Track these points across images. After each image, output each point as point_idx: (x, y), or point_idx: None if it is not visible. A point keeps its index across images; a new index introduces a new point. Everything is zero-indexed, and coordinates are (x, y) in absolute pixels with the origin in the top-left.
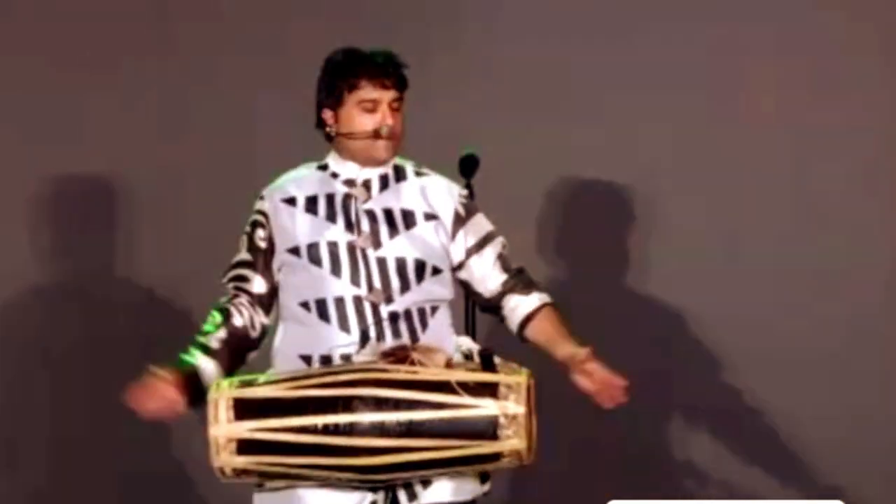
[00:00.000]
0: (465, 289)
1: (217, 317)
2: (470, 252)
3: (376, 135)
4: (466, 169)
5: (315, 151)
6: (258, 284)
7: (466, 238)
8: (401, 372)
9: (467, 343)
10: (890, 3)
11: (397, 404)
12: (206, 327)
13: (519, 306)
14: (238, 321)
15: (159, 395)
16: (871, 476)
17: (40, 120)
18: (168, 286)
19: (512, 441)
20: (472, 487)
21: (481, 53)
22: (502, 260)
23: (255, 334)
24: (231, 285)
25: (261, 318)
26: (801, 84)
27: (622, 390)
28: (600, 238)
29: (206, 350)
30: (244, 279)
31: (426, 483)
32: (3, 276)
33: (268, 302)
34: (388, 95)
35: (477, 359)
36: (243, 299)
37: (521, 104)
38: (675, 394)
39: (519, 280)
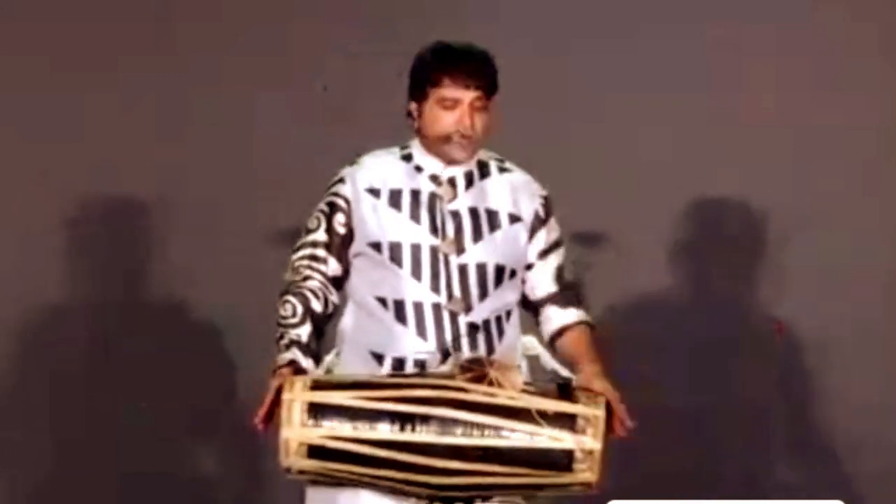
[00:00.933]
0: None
1: (297, 307)
2: (539, 256)
3: (447, 139)
4: None
5: (315, 151)
6: (333, 267)
7: (538, 243)
8: (479, 393)
9: (533, 344)
10: (890, 2)
11: (474, 428)
12: (290, 319)
13: (553, 318)
14: (317, 307)
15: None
16: (871, 476)
17: (40, 119)
18: (167, 285)
19: (584, 474)
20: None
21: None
22: (559, 271)
23: (329, 312)
24: (304, 263)
25: (333, 298)
26: (802, 84)
27: (622, 425)
28: (599, 238)
29: (305, 350)
30: (319, 259)
31: (486, 499)
32: (2, 274)
33: (341, 283)
34: (469, 95)
35: (543, 360)
36: (317, 281)
37: (522, 104)
38: (674, 393)
39: (564, 295)
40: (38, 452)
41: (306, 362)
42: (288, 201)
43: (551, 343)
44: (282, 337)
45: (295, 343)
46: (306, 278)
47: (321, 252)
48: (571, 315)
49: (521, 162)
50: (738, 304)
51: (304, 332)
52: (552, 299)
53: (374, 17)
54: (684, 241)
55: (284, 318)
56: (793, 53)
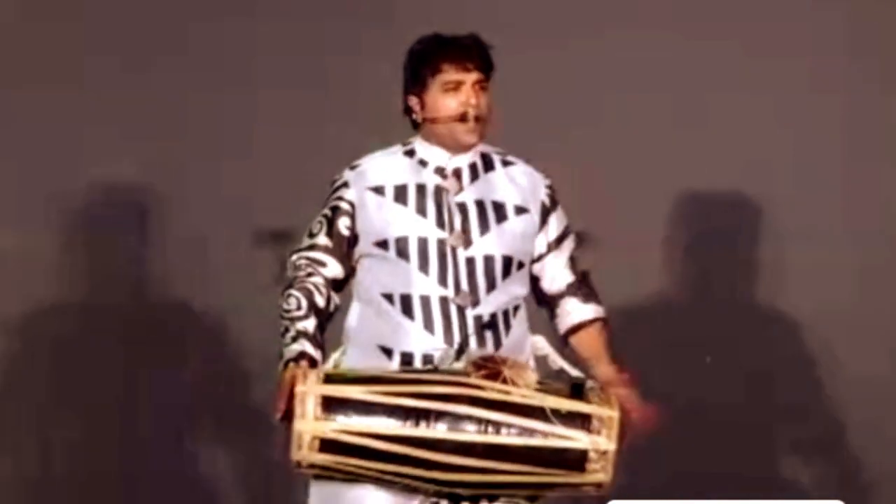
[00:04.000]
0: (532, 283)
1: (302, 300)
2: (550, 247)
3: (462, 118)
4: None
5: (315, 151)
6: (335, 270)
7: (549, 232)
8: (494, 391)
9: (542, 344)
10: (890, 2)
11: (488, 426)
12: (295, 312)
13: (573, 313)
14: (321, 302)
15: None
16: (871, 475)
17: (39, 120)
18: (167, 284)
19: (598, 475)
20: None
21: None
22: (573, 261)
23: (331, 311)
24: (304, 262)
25: (335, 300)
26: (802, 84)
27: (651, 417)
28: (598, 239)
29: (314, 341)
30: (320, 263)
31: (492, 499)
32: (2, 274)
33: (342, 285)
34: (471, 77)
35: (552, 360)
36: (319, 279)
37: (519, 102)
38: (674, 393)
39: (582, 286)
40: (41, 452)
41: (316, 353)
42: (288, 201)
43: (566, 336)
44: (287, 330)
45: (303, 335)
46: (309, 274)
47: (321, 255)
48: (590, 311)
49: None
50: (734, 304)
51: (310, 324)
52: (572, 291)
53: (374, 17)
54: (682, 240)
55: (289, 311)
56: (793, 54)
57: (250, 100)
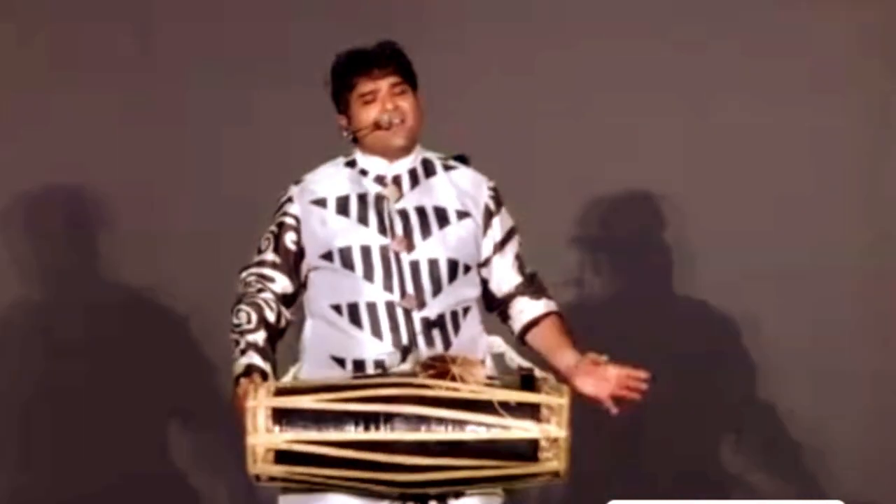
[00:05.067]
0: (482, 286)
1: (252, 314)
2: (496, 248)
3: (377, 126)
4: None
5: (315, 152)
6: (284, 284)
7: (493, 234)
8: (442, 389)
9: (498, 343)
10: (891, 3)
11: (438, 423)
12: (245, 325)
13: (524, 311)
14: (271, 317)
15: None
16: (871, 476)
17: (35, 119)
18: (167, 286)
19: (551, 463)
20: (499, 499)
21: (482, 54)
22: (519, 261)
23: (282, 326)
24: (253, 278)
25: (286, 315)
26: (802, 84)
27: (640, 382)
28: (597, 239)
29: (263, 354)
30: (269, 279)
31: (458, 495)
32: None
33: (292, 300)
34: (383, 84)
35: (509, 357)
36: (269, 295)
37: (522, 103)
38: (673, 393)
39: (531, 284)
40: (38, 452)
41: (265, 365)
42: None
43: (522, 335)
44: (237, 343)
45: (252, 346)
46: (259, 290)
47: (269, 271)
48: (541, 306)
49: (522, 163)
50: (734, 304)
51: (259, 337)
52: (521, 291)
53: (373, 17)
54: (683, 240)
55: (238, 325)
56: (793, 54)
57: (250, 100)
